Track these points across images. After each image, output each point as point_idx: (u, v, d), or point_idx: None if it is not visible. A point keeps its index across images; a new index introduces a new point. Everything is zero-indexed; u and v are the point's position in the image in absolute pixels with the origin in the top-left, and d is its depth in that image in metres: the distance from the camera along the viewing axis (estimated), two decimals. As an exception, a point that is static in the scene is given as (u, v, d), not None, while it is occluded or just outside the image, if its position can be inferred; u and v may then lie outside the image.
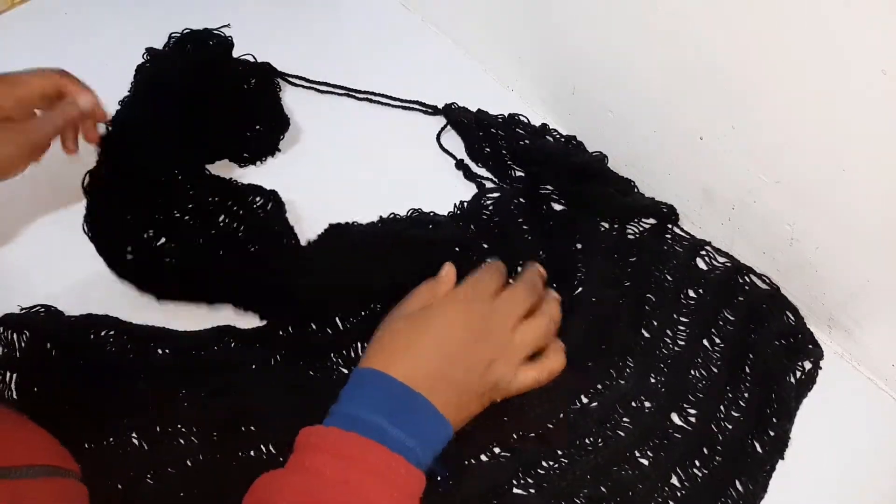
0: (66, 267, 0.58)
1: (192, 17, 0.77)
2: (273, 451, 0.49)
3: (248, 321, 0.56)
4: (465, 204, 0.63)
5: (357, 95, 0.71)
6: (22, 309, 0.53)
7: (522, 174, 0.64)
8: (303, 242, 0.58)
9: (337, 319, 0.56)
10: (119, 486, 0.47)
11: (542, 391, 0.52)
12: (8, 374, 0.50)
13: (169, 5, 0.79)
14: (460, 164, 0.66)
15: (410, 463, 0.42)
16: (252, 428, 0.50)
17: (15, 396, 0.50)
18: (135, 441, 0.49)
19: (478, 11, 0.71)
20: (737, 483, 0.49)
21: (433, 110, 0.70)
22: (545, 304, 0.51)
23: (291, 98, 0.71)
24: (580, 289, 0.57)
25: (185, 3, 0.79)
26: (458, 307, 0.48)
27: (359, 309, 0.56)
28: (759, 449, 0.50)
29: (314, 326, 0.55)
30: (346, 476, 0.41)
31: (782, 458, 0.50)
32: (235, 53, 0.73)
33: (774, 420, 0.51)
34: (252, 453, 0.49)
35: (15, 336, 0.51)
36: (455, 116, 0.68)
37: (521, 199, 0.62)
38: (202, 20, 0.76)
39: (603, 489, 0.48)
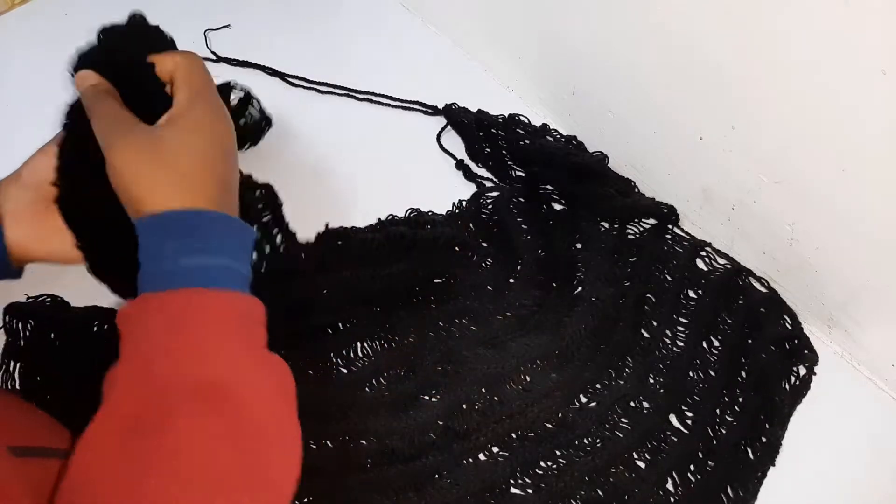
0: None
1: (192, 17, 0.77)
2: None
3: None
4: (465, 203, 0.63)
5: (357, 96, 0.71)
6: (28, 298, 0.53)
7: (523, 174, 0.64)
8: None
9: (337, 319, 0.56)
10: None
11: (541, 390, 0.52)
12: (12, 363, 0.50)
13: (169, 6, 0.79)
14: (460, 165, 0.66)
15: (238, 290, 0.40)
16: None
17: (18, 385, 0.50)
18: None
19: (478, 12, 0.71)
20: (728, 489, 0.49)
21: (433, 110, 0.70)
22: None
23: (291, 98, 0.71)
24: (580, 288, 0.57)
25: (186, 4, 0.79)
26: (218, 107, 0.45)
27: (359, 311, 0.56)
28: (751, 455, 0.50)
29: (314, 326, 0.55)
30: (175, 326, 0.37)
31: (773, 465, 0.50)
32: (235, 54, 0.73)
33: (768, 426, 0.51)
34: None
35: (20, 325, 0.52)
36: (455, 117, 0.68)
37: (521, 199, 0.62)
38: (202, 20, 0.76)
39: (600, 492, 0.48)
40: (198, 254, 0.40)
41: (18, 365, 0.51)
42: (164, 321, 0.38)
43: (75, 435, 0.46)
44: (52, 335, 0.52)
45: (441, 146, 0.68)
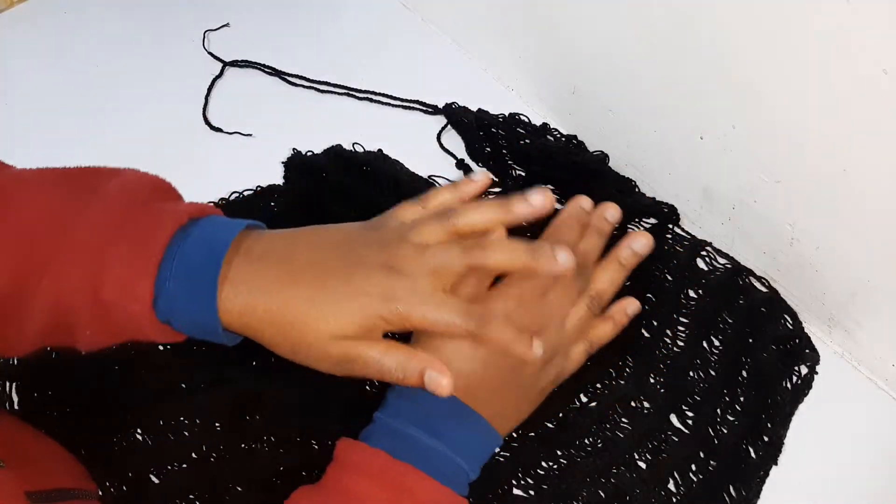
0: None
1: (192, 18, 0.77)
2: (273, 441, 0.50)
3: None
4: None
5: (357, 95, 0.71)
6: None
7: (523, 173, 0.64)
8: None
9: None
10: (124, 486, 0.47)
11: None
12: (7, 384, 0.50)
13: (169, 5, 0.79)
14: (461, 164, 0.66)
15: (457, 492, 0.41)
16: (256, 417, 0.50)
17: (17, 405, 0.50)
18: (139, 437, 0.49)
19: (478, 11, 0.71)
20: (731, 488, 0.49)
21: (433, 110, 0.70)
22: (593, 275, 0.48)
23: (291, 97, 0.71)
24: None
25: (186, 3, 0.79)
26: (504, 333, 0.42)
27: None
28: (753, 454, 0.50)
29: None
30: None
31: (776, 464, 0.50)
32: (235, 53, 0.73)
33: (769, 426, 0.51)
34: (254, 445, 0.49)
35: None
36: (455, 116, 0.68)
37: None
38: (202, 20, 0.76)
39: (601, 493, 0.48)
40: (440, 441, 0.41)
41: (14, 385, 0.50)
42: (387, 492, 0.39)
43: (83, 459, 0.47)
44: (48, 347, 0.51)
45: (441, 145, 0.68)
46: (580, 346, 0.48)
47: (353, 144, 0.65)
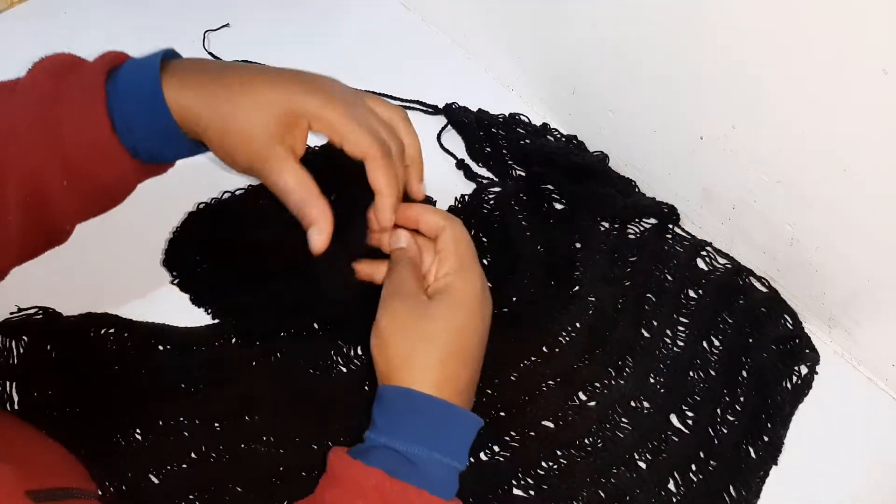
0: (63, 265, 0.57)
1: (192, 17, 0.77)
2: (273, 441, 0.50)
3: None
4: (466, 198, 0.63)
5: (357, 95, 0.71)
6: (20, 309, 0.53)
7: (523, 173, 0.64)
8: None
9: (338, 317, 0.56)
10: (124, 486, 0.47)
11: (536, 388, 0.52)
12: (7, 384, 0.50)
13: (169, 5, 0.79)
14: (461, 164, 0.66)
15: (452, 497, 0.42)
16: (255, 418, 0.50)
17: (16, 407, 0.50)
18: (138, 437, 0.49)
19: (478, 11, 0.71)
20: (731, 488, 0.49)
21: (433, 110, 0.70)
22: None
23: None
24: (577, 287, 0.57)
25: (186, 3, 0.79)
26: (480, 285, 0.45)
27: (357, 308, 0.56)
28: (753, 454, 0.50)
29: (315, 325, 0.55)
30: None
31: (776, 464, 0.50)
32: (234, 54, 0.73)
33: (769, 425, 0.51)
34: (253, 445, 0.49)
35: (13, 343, 0.51)
36: (455, 116, 0.68)
37: (522, 196, 0.62)
38: (202, 20, 0.76)
39: (601, 493, 0.48)
40: (428, 447, 0.41)
41: (14, 385, 0.50)
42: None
43: (83, 459, 0.47)
44: (49, 347, 0.52)
45: (441, 145, 0.68)
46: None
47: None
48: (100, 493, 0.46)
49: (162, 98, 0.42)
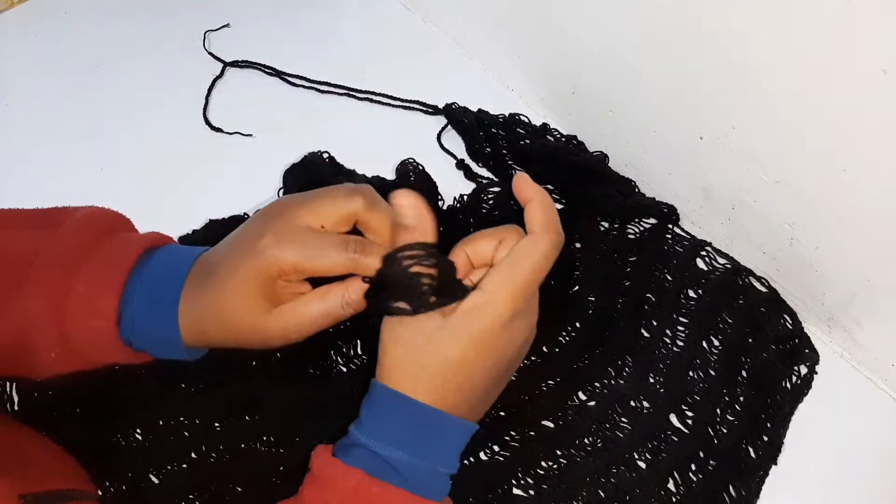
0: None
1: (192, 17, 0.77)
2: (273, 441, 0.50)
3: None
4: (465, 197, 0.63)
5: (357, 95, 0.71)
6: None
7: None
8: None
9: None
10: (124, 486, 0.47)
11: (536, 387, 0.52)
12: (8, 384, 0.50)
13: (169, 5, 0.79)
14: (461, 164, 0.66)
15: (440, 499, 0.40)
16: (256, 417, 0.50)
17: (16, 408, 0.50)
18: (139, 437, 0.49)
19: (478, 11, 0.71)
20: (730, 488, 0.49)
21: (434, 110, 0.70)
22: None
23: (292, 98, 0.71)
24: (577, 287, 0.57)
25: (186, 3, 0.79)
26: (511, 316, 0.39)
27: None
28: (752, 454, 0.50)
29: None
30: None
31: (775, 464, 0.50)
32: (235, 54, 0.73)
33: (769, 425, 0.51)
34: (254, 445, 0.49)
35: None
36: (455, 116, 0.68)
37: None
38: (202, 20, 0.76)
39: (601, 493, 0.48)
40: (409, 453, 0.39)
41: (14, 385, 0.50)
42: None
43: (84, 462, 0.47)
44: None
45: (441, 146, 0.68)
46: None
47: (322, 153, 0.64)
48: (100, 493, 0.46)
49: (174, 315, 0.42)
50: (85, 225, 0.43)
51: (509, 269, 0.39)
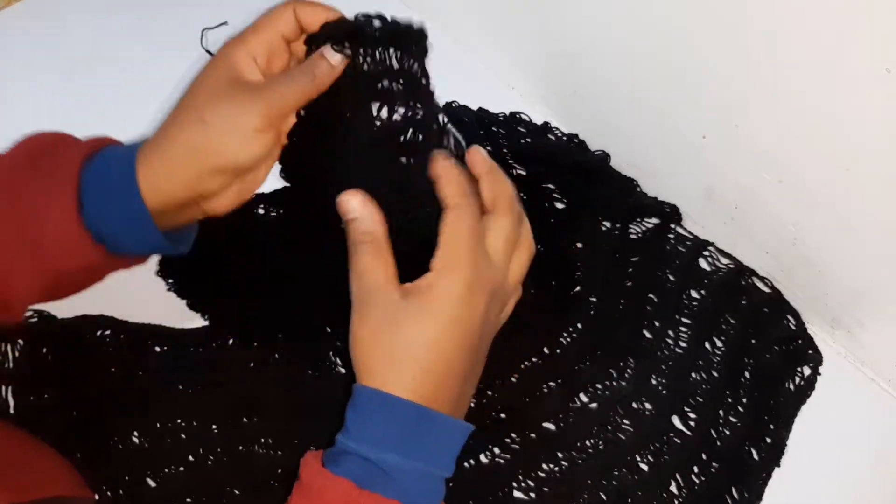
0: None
1: (191, 16, 0.76)
2: (271, 444, 0.50)
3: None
4: None
5: (356, 94, 0.71)
6: None
7: (524, 173, 0.64)
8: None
9: (336, 317, 0.55)
10: (121, 491, 0.47)
11: (538, 389, 0.52)
12: (2, 387, 0.50)
13: (167, 3, 0.79)
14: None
15: (434, 500, 0.40)
16: (254, 420, 0.50)
17: (12, 411, 0.49)
18: (136, 440, 0.49)
19: (478, 9, 0.71)
20: (733, 490, 0.49)
21: (433, 108, 0.69)
22: (523, 226, 0.46)
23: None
24: (578, 287, 0.57)
25: (185, 1, 0.79)
26: (465, 286, 0.39)
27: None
28: (755, 456, 0.50)
29: (313, 325, 0.55)
30: None
31: (778, 466, 0.50)
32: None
33: (772, 427, 0.51)
34: (252, 447, 0.49)
35: (9, 347, 0.51)
36: (455, 115, 0.68)
37: (522, 195, 0.62)
38: (201, 19, 0.76)
39: (602, 495, 0.48)
40: (400, 455, 0.38)
41: (10, 388, 0.50)
42: None
43: (80, 466, 0.46)
44: (44, 350, 0.51)
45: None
46: (517, 259, 0.44)
47: None
48: (97, 497, 0.46)
49: (133, 179, 0.41)
50: (24, 146, 0.43)
51: (445, 245, 0.40)
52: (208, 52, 0.73)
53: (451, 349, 0.39)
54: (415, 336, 0.38)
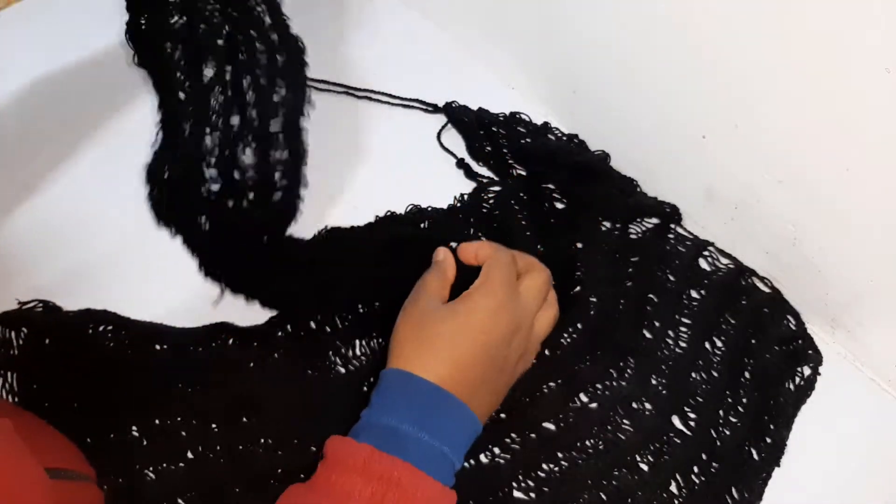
0: (64, 260, 0.57)
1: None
2: (271, 443, 0.49)
3: (246, 320, 0.55)
4: (466, 197, 0.62)
5: (356, 94, 0.71)
6: (20, 304, 0.53)
7: (524, 173, 0.64)
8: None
9: (336, 318, 0.55)
10: (121, 481, 0.47)
11: (537, 388, 0.52)
12: (8, 374, 0.50)
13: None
14: (461, 164, 0.66)
15: (445, 484, 0.42)
16: (253, 419, 0.50)
17: (16, 398, 0.49)
18: (135, 435, 0.49)
19: (478, 8, 0.71)
20: (733, 490, 0.49)
21: (433, 109, 0.69)
22: (551, 292, 0.52)
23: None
24: (578, 287, 0.57)
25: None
26: (494, 304, 0.46)
27: (356, 306, 0.56)
28: (755, 456, 0.50)
29: (313, 325, 0.55)
30: (380, 501, 0.39)
31: (778, 466, 0.50)
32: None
33: (772, 427, 0.51)
34: (251, 446, 0.49)
35: (13, 334, 0.51)
36: (456, 115, 0.68)
37: (523, 195, 0.62)
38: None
39: (603, 496, 0.48)
40: (424, 430, 0.42)
41: (14, 375, 0.50)
42: (373, 485, 0.40)
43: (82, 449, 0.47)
44: (47, 341, 0.51)
45: (441, 144, 0.67)
46: (544, 314, 0.50)
47: None
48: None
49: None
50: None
51: (484, 276, 0.48)
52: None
53: (469, 346, 0.45)
54: (441, 330, 0.45)
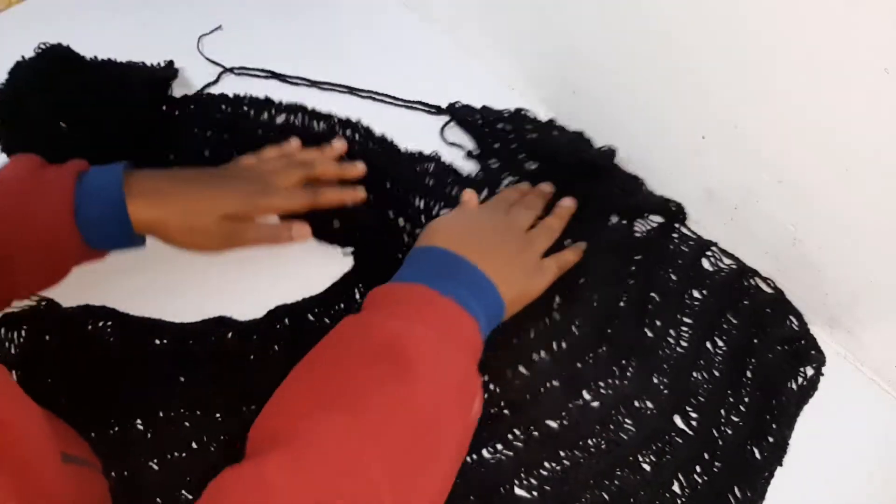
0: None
1: (190, 17, 0.76)
2: None
3: (244, 314, 0.55)
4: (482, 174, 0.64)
5: (360, 94, 0.70)
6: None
7: (534, 167, 0.64)
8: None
9: (332, 311, 0.56)
10: (125, 473, 0.47)
11: (540, 386, 0.52)
12: (12, 373, 0.50)
13: (167, 5, 0.79)
14: (471, 154, 0.66)
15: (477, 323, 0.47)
16: (254, 408, 0.50)
17: None
18: (139, 427, 0.49)
19: (478, 10, 0.71)
20: (735, 489, 0.49)
21: (436, 110, 0.69)
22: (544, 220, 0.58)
23: (292, 97, 0.70)
24: (581, 280, 0.56)
25: (184, 3, 0.78)
26: (485, 209, 0.57)
27: (353, 290, 0.57)
28: (757, 455, 0.50)
29: (311, 318, 0.55)
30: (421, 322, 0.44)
31: (780, 465, 0.50)
32: (230, 55, 0.73)
33: (774, 426, 0.51)
34: None
35: (14, 333, 0.51)
36: (460, 115, 0.68)
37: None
38: (201, 20, 0.76)
39: (605, 495, 0.48)
40: (441, 277, 0.48)
41: (15, 374, 0.50)
42: (438, 320, 0.45)
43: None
44: (48, 337, 0.51)
45: (444, 140, 0.67)
46: (551, 262, 0.55)
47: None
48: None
49: (124, 207, 0.50)
50: (21, 165, 0.51)
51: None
52: (210, 60, 0.73)
53: (463, 225, 0.54)
54: (446, 220, 0.55)
